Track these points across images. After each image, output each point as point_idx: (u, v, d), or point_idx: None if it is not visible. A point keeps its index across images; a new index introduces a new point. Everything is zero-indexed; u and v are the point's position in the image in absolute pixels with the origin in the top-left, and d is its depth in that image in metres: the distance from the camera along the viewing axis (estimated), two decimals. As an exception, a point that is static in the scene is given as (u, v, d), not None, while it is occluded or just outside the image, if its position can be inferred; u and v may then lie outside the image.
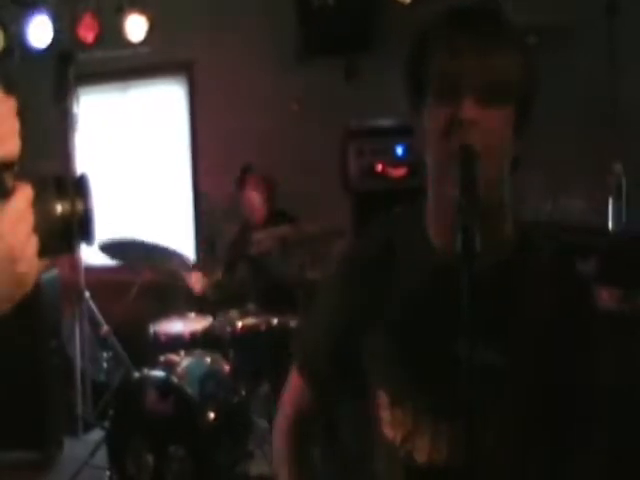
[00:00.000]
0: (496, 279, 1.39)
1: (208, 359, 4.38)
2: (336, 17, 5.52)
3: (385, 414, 1.50)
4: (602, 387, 1.49)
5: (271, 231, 4.66)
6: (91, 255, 5.43)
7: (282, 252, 4.80)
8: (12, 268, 0.95)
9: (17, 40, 5.90)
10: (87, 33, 5.82)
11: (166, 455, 3.98)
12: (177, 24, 6.04)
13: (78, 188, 1.04)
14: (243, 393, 4.32)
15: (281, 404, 1.74)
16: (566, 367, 1.42)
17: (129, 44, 5.88)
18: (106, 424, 4.23)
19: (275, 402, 4.35)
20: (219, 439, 4.08)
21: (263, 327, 4.39)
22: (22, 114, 0.98)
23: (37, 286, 1.04)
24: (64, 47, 5.68)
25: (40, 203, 1.00)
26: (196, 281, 5.01)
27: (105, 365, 4.76)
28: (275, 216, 4.99)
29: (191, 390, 4.04)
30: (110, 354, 4.84)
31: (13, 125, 0.96)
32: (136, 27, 5.78)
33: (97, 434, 4.89)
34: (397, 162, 4.78)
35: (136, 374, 4.22)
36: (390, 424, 1.50)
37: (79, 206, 1.03)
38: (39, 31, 5.83)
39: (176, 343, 4.51)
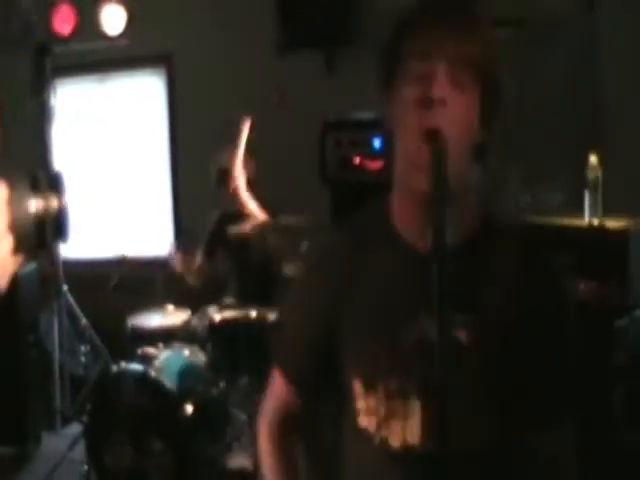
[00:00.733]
0: (461, 257, 1.39)
1: (186, 352, 4.38)
2: (317, 10, 5.51)
3: (360, 403, 1.52)
4: (570, 367, 1.51)
5: (248, 223, 4.65)
6: (70, 249, 5.42)
7: (259, 243, 4.81)
8: None
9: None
10: (64, 25, 5.78)
11: (145, 449, 3.98)
12: (156, 16, 6.02)
13: (53, 185, 1.04)
14: (222, 386, 4.31)
15: (264, 403, 1.76)
16: (534, 343, 1.44)
17: (107, 36, 5.85)
18: (84, 418, 4.22)
19: (254, 395, 4.38)
20: (198, 432, 4.08)
21: (241, 320, 4.38)
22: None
23: (15, 280, 1.03)
24: (41, 39, 5.64)
25: (15, 200, 1.00)
26: (179, 262, 4.99)
27: (83, 359, 4.75)
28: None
29: (169, 383, 4.03)
30: (88, 348, 4.83)
31: None
32: (114, 19, 5.75)
33: (75, 428, 4.89)
34: (374, 155, 4.78)
35: (114, 368, 4.20)
36: (365, 413, 1.51)
37: (54, 203, 1.03)
38: (16, 22, 5.79)
39: (154, 336, 4.52)
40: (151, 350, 4.28)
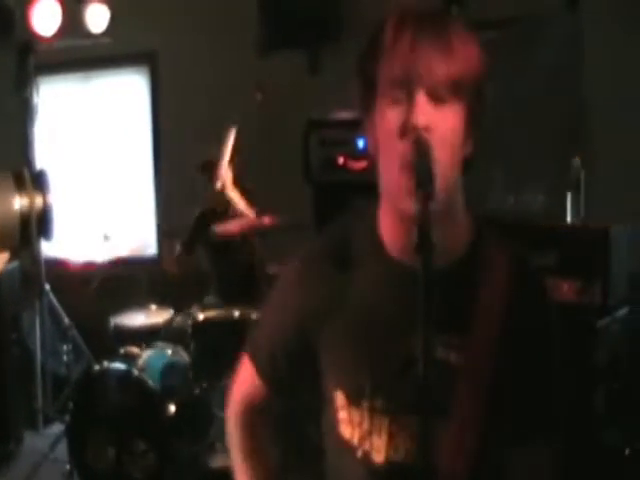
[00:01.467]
0: (451, 278, 1.39)
1: (169, 351, 4.39)
2: (299, 9, 5.52)
3: (343, 414, 1.50)
4: (558, 384, 1.51)
5: (229, 223, 4.65)
6: (52, 248, 5.40)
7: (243, 241, 4.80)
8: None
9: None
10: (48, 23, 5.75)
11: (127, 448, 4.00)
12: (139, 14, 6.00)
13: (37, 184, 1.04)
14: (204, 385, 4.31)
15: (232, 390, 1.73)
16: (522, 363, 1.43)
17: (90, 34, 5.82)
18: (66, 417, 4.21)
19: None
20: (180, 431, 4.09)
21: (224, 319, 4.39)
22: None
23: (-4, 279, 1.03)
24: (24, 37, 5.61)
25: None
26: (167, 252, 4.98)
27: (65, 358, 4.72)
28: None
29: (152, 382, 4.04)
30: (71, 347, 4.80)
31: None
32: (98, 17, 5.72)
33: (58, 428, 4.87)
34: (358, 155, 4.78)
35: (97, 367, 4.20)
36: (347, 424, 1.49)
37: (38, 202, 1.03)
38: (-1, 20, 5.76)
39: (137, 336, 4.51)
40: (134, 349, 4.28)
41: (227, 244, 4.78)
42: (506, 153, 4.59)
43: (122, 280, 5.32)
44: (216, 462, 4.33)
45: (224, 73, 5.92)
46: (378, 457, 1.46)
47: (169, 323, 4.65)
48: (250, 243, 4.94)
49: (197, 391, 4.28)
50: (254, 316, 4.39)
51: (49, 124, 6.13)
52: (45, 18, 5.30)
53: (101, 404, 4.06)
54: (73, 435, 4.14)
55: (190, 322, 4.44)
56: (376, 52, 1.34)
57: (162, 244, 4.94)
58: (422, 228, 1.18)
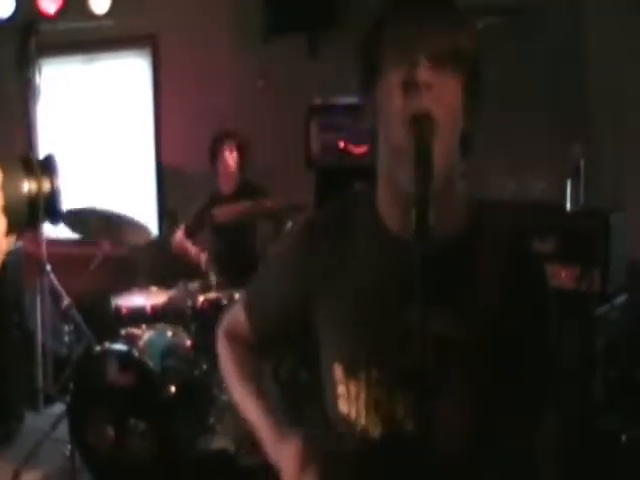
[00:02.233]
0: (450, 253, 1.42)
1: (170, 333, 4.40)
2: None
3: (341, 389, 1.52)
4: (552, 359, 1.53)
5: (233, 206, 4.68)
6: (53, 228, 5.41)
7: (245, 225, 4.83)
8: None
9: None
10: (50, 3, 5.75)
11: (127, 428, 4.00)
12: (142, -3, 6.01)
13: (45, 168, 1.06)
14: (204, 367, 4.33)
15: (226, 318, 1.79)
16: (517, 338, 1.45)
17: (93, 15, 5.82)
18: (67, 397, 4.23)
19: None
20: (180, 412, 4.10)
21: (225, 301, 4.40)
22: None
23: (-1, 260, 1.05)
24: (27, 17, 5.60)
25: (8, 182, 1.01)
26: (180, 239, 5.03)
27: (67, 339, 4.73)
28: (246, 187, 5.00)
29: (152, 363, 4.06)
30: (72, 328, 4.82)
31: None
32: (100, -1, 5.72)
33: (58, 408, 4.89)
34: (359, 139, 4.80)
35: (97, 347, 4.22)
36: (346, 399, 1.52)
37: (46, 185, 1.05)
38: (1, 1, 5.75)
39: (138, 316, 4.53)
40: (135, 330, 4.30)
41: (229, 226, 4.80)
42: (506, 139, 4.60)
43: (123, 261, 5.34)
44: (216, 443, 4.37)
45: (226, 56, 5.93)
46: (375, 431, 1.49)
47: (170, 304, 4.67)
48: (252, 225, 4.97)
49: (197, 372, 4.30)
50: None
51: (51, 106, 6.12)
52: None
53: (102, 384, 4.07)
54: (74, 415, 4.16)
55: (190, 304, 4.47)
56: (379, 33, 1.39)
57: (166, 226, 4.97)
58: (420, 210, 1.22)
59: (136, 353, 4.07)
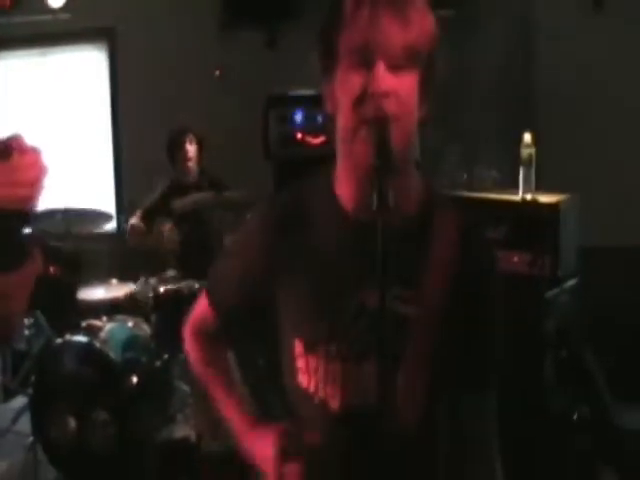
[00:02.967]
0: (404, 235, 1.47)
1: (130, 324, 4.42)
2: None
3: (300, 363, 1.58)
4: (497, 337, 1.60)
5: (193, 196, 4.71)
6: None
7: (203, 217, 4.86)
8: None
9: None
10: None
11: (89, 419, 4.01)
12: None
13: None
14: (165, 358, 4.36)
15: (190, 315, 1.81)
16: (465, 317, 1.52)
17: (49, 9, 5.80)
18: (29, 390, 4.24)
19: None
20: (142, 403, 4.12)
21: (185, 292, 4.43)
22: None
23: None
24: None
25: None
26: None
27: (27, 332, 4.73)
28: (205, 179, 5.02)
29: (113, 355, 4.07)
30: (31, 321, 4.81)
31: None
32: (56, -8, 5.71)
33: (18, 402, 4.89)
34: (317, 130, 4.85)
35: (58, 340, 4.22)
36: (304, 373, 1.57)
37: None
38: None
39: (98, 309, 4.55)
40: (96, 322, 4.30)
41: (187, 218, 4.82)
42: (459, 129, 4.68)
43: (83, 255, 5.33)
44: (177, 433, 4.41)
45: (183, 49, 5.94)
46: (334, 404, 1.54)
47: (130, 296, 4.68)
48: (209, 216, 4.99)
49: (158, 363, 4.32)
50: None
51: (7, 99, 6.09)
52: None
53: (63, 376, 4.07)
54: (35, 407, 4.17)
55: (151, 295, 4.49)
56: (337, 22, 1.42)
57: (125, 219, 4.96)
58: (380, 194, 1.27)
59: (97, 344, 4.08)
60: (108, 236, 5.31)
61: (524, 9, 4.90)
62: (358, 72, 1.39)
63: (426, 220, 1.54)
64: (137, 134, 6.08)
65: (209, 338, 1.76)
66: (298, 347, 1.58)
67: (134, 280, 4.84)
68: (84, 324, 4.33)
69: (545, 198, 3.68)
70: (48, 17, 5.86)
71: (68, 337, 4.18)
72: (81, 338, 4.17)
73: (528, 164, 3.77)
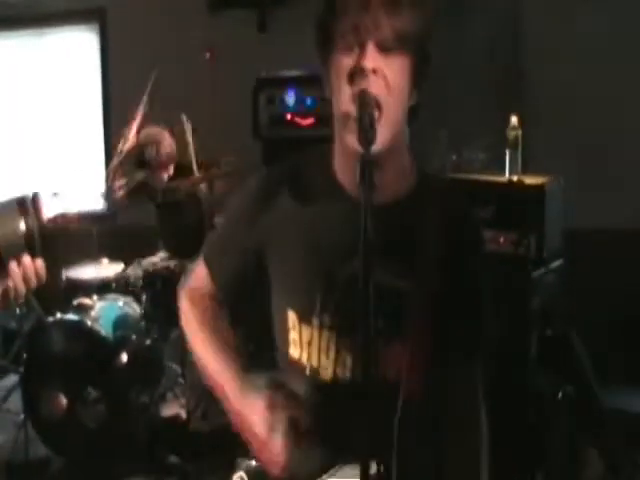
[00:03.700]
0: (396, 213, 1.54)
1: (121, 302, 4.45)
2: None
3: (293, 335, 1.63)
4: (484, 310, 1.66)
5: (179, 180, 4.72)
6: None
7: (192, 197, 4.87)
8: None
9: None
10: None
11: (80, 397, 4.05)
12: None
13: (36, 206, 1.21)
14: (155, 336, 4.41)
15: (187, 279, 1.84)
16: (453, 291, 1.57)
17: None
18: (20, 368, 4.27)
19: (186, 347, 4.47)
20: (132, 380, 4.17)
21: (175, 271, 4.48)
22: None
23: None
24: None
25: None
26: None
27: (18, 311, 4.74)
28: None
29: (104, 332, 4.12)
30: (22, 301, 4.82)
31: None
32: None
33: (10, 380, 4.92)
34: (306, 112, 4.88)
35: (49, 318, 4.25)
36: (297, 345, 1.63)
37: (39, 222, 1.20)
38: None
39: (89, 288, 4.55)
40: (86, 301, 4.33)
41: (174, 199, 4.83)
42: (446, 113, 4.72)
43: (73, 235, 5.35)
44: (166, 411, 4.46)
45: (174, 30, 5.94)
46: (325, 374, 1.60)
47: (120, 276, 4.71)
48: (197, 196, 5.01)
49: (148, 342, 4.37)
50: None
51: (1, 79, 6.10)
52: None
53: (54, 354, 4.11)
54: (26, 385, 4.20)
55: (141, 274, 4.52)
56: (331, 8, 1.48)
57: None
58: (364, 167, 1.32)
59: (88, 322, 4.12)
60: (98, 216, 5.32)
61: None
62: (349, 54, 1.45)
63: (416, 199, 1.59)
64: (127, 116, 6.08)
65: (206, 300, 1.78)
66: (292, 318, 1.63)
67: (124, 260, 4.87)
68: (75, 303, 4.35)
69: (531, 180, 3.73)
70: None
71: (59, 315, 4.21)
72: (72, 316, 4.21)
73: (514, 146, 3.82)
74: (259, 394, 1.57)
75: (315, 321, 1.59)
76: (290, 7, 5.43)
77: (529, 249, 3.56)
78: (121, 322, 4.30)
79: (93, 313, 4.22)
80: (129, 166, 4.81)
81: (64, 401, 4.09)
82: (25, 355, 4.25)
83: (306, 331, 1.61)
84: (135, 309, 4.45)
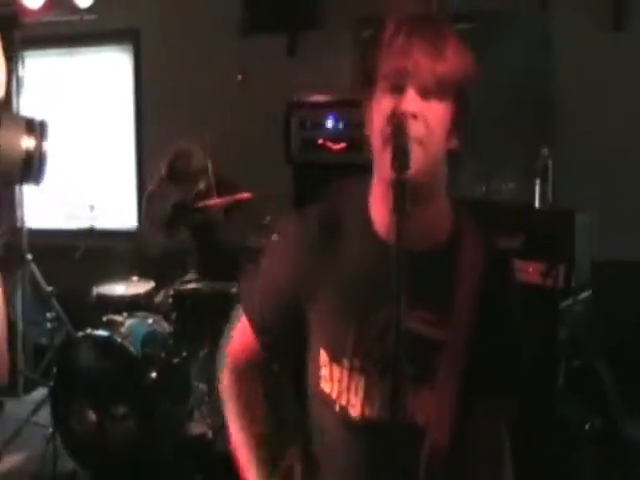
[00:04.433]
0: (433, 261, 1.56)
1: (150, 320, 4.50)
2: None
3: (324, 371, 1.66)
4: (519, 351, 1.69)
5: (214, 199, 4.80)
6: (37, 219, 5.52)
7: (224, 219, 4.93)
8: None
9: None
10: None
11: (108, 412, 4.10)
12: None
13: (41, 131, 1.26)
14: (184, 355, 4.45)
15: (229, 345, 1.84)
16: (488, 334, 1.58)
17: (76, 9, 5.89)
18: (50, 382, 4.32)
19: (213, 366, 4.51)
20: (160, 398, 4.21)
21: (205, 291, 4.53)
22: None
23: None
24: (11, 10, 5.66)
25: (11, 136, 1.20)
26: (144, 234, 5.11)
27: (49, 325, 4.80)
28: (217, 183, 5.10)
29: (133, 349, 4.16)
30: (53, 315, 4.89)
31: None
32: (83, -7, 5.79)
33: (38, 394, 4.99)
34: (338, 136, 4.92)
35: (80, 333, 4.31)
36: (328, 380, 1.65)
37: (39, 146, 1.25)
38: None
39: (119, 305, 4.61)
40: (116, 317, 4.38)
41: (207, 222, 4.90)
42: (476, 142, 4.74)
43: (104, 252, 5.42)
44: (193, 430, 4.49)
45: (206, 52, 6.03)
46: (354, 412, 1.62)
47: (150, 294, 4.77)
48: (230, 219, 5.07)
49: (177, 360, 4.41)
50: (234, 290, 4.54)
51: (34, 98, 6.19)
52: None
53: (84, 369, 4.16)
54: (56, 399, 4.25)
55: (172, 293, 4.58)
56: (376, 47, 1.52)
57: (143, 227, 5.07)
58: (397, 192, 1.35)
59: (117, 339, 4.17)
60: (130, 233, 5.41)
61: (542, 22, 4.97)
62: (390, 96, 1.48)
63: (454, 247, 1.61)
64: (159, 135, 6.17)
65: (247, 370, 1.80)
66: (323, 356, 1.66)
67: (154, 278, 4.93)
68: (105, 319, 4.40)
69: (560, 210, 3.75)
70: (75, 17, 5.95)
71: (89, 331, 4.26)
72: (101, 332, 4.25)
73: (545, 177, 3.84)
74: None
75: (346, 362, 1.62)
76: (319, 32, 5.50)
77: (558, 279, 3.57)
78: (150, 340, 4.35)
79: (123, 330, 4.27)
80: (162, 188, 4.91)
81: (92, 416, 4.14)
82: (55, 369, 4.31)
83: (337, 370, 1.64)
84: (164, 327, 4.51)
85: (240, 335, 1.81)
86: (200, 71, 6.06)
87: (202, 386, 4.66)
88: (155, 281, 4.91)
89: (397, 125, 1.44)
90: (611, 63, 4.84)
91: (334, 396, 1.64)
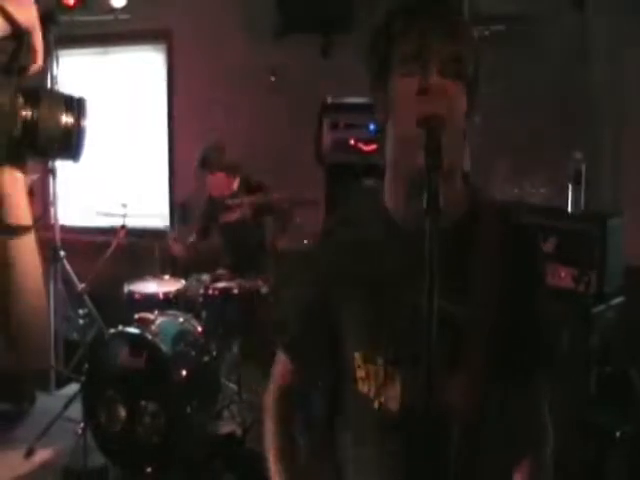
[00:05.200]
0: (452, 238, 1.54)
1: (181, 319, 4.53)
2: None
3: (360, 373, 1.67)
4: (547, 327, 1.70)
5: (243, 199, 4.83)
6: (68, 216, 5.57)
7: (254, 220, 4.97)
8: None
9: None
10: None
11: (138, 409, 4.14)
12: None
13: (79, 108, 1.28)
14: (214, 353, 4.48)
15: (271, 381, 1.88)
16: (517, 312, 1.61)
17: (111, 9, 5.94)
18: (81, 378, 4.36)
19: (242, 365, 4.53)
20: (190, 396, 4.24)
21: (235, 290, 4.55)
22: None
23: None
24: (46, 8, 5.72)
25: (50, 111, 1.22)
26: (174, 244, 5.18)
27: (81, 322, 4.85)
28: (244, 186, 5.13)
29: (164, 347, 4.19)
30: (85, 312, 4.94)
31: None
32: (118, -8, 5.85)
33: (69, 390, 5.04)
34: (369, 137, 4.93)
35: (111, 330, 4.34)
36: (364, 380, 1.66)
37: (78, 122, 1.27)
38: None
39: (150, 303, 4.67)
40: (147, 315, 4.41)
41: (239, 222, 4.93)
42: (509, 146, 4.73)
43: (137, 249, 5.47)
44: (223, 428, 4.52)
45: (239, 52, 6.06)
46: (393, 405, 1.63)
47: (181, 292, 4.80)
48: (261, 220, 5.11)
49: (207, 358, 4.44)
50: (264, 289, 4.57)
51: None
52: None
53: (115, 366, 4.20)
54: (87, 394, 4.30)
55: (202, 292, 4.61)
56: (389, 35, 1.55)
57: (175, 229, 5.13)
58: (430, 193, 1.34)
59: (148, 336, 4.20)
60: (162, 232, 5.44)
61: (576, 24, 4.94)
62: (413, 77, 1.50)
63: (472, 222, 1.62)
64: (191, 135, 6.21)
65: (289, 404, 1.85)
66: (358, 359, 1.67)
67: (186, 276, 4.97)
68: (136, 316, 4.43)
69: (593, 215, 3.73)
70: (109, 17, 6.00)
71: (121, 328, 4.30)
72: (133, 329, 4.29)
73: (578, 181, 3.82)
74: None
75: (380, 358, 1.63)
76: (353, 33, 5.50)
77: (590, 285, 3.55)
78: (180, 338, 4.38)
79: (153, 327, 4.29)
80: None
81: (123, 412, 4.18)
82: (86, 365, 4.35)
83: (372, 368, 1.65)
84: (195, 326, 4.53)
85: (280, 376, 1.86)
86: (233, 71, 6.08)
87: (232, 385, 4.70)
88: (185, 280, 4.96)
89: (432, 128, 1.43)
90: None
91: (372, 394, 1.65)
